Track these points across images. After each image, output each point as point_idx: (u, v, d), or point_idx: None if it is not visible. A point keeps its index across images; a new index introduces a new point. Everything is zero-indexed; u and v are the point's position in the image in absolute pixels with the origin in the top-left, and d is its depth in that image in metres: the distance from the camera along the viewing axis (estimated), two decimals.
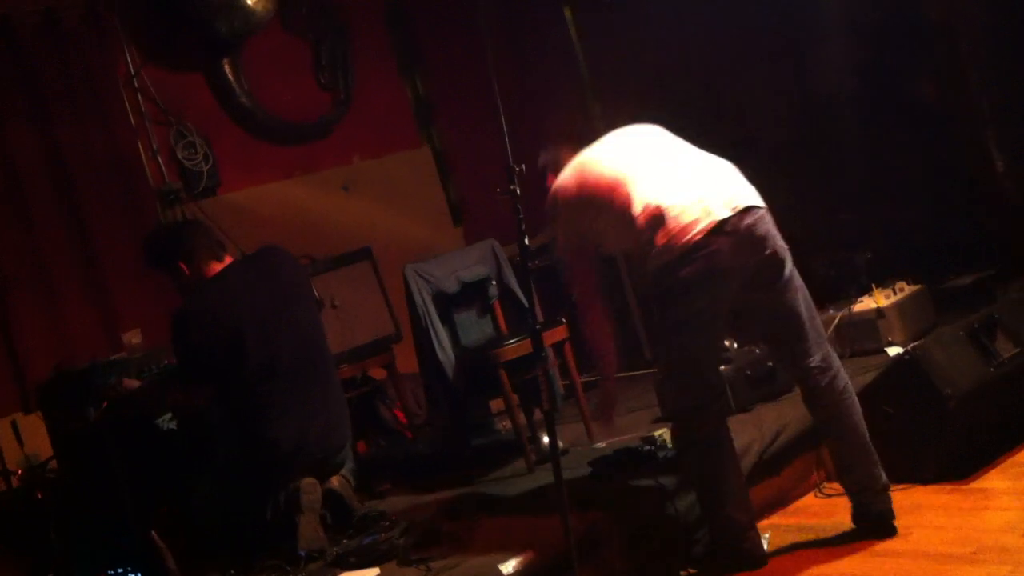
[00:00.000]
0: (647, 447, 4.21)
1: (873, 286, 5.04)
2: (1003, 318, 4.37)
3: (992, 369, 4.15)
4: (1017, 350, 4.26)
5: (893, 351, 4.65)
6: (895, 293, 4.98)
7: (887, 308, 4.84)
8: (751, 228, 3.47)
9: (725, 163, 3.66)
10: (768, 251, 3.51)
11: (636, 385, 5.74)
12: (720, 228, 3.42)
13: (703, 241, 3.40)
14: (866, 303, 4.93)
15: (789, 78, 6.19)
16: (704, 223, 3.42)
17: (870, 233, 5.88)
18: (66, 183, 5.69)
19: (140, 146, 5.99)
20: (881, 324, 4.83)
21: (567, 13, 7.66)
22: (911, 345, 4.29)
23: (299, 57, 6.70)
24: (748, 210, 3.48)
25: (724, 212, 3.44)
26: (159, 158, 6.06)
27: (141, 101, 6.04)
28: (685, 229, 3.42)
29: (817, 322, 3.70)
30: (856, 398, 3.70)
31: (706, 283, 3.44)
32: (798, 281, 3.63)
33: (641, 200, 3.51)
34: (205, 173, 6.14)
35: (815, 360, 3.62)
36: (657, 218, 3.47)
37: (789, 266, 3.58)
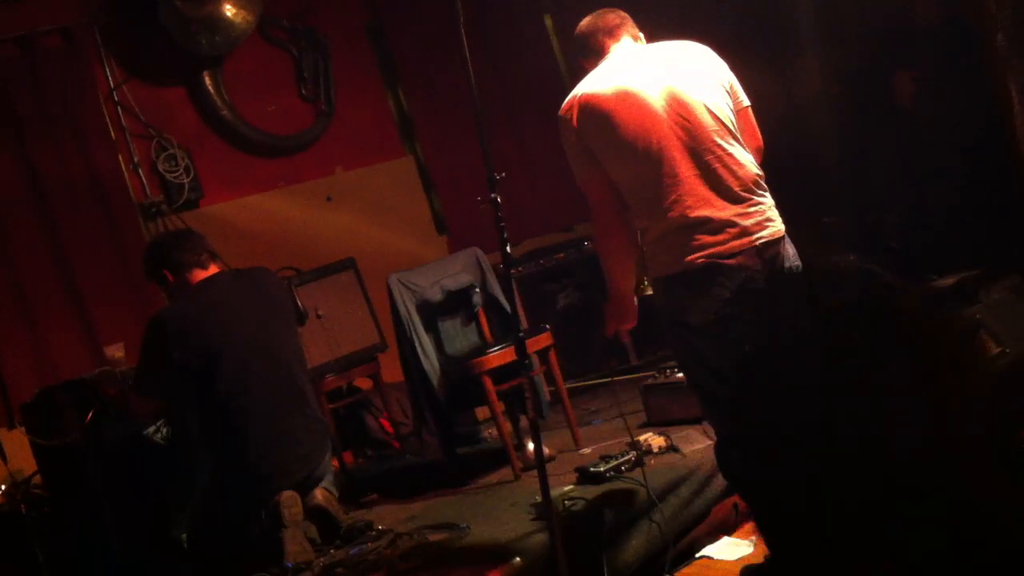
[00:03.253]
0: (625, 455, 4.20)
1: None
2: (985, 319, 4.39)
3: None
4: (999, 350, 4.28)
5: None
6: None
7: None
8: (774, 260, 3.21)
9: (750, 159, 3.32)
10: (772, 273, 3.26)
11: (623, 391, 5.74)
12: (738, 254, 3.15)
13: (713, 265, 3.14)
14: None
15: (770, 84, 6.21)
16: (723, 247, 3.14)
17: (852, 236, 5.91)
18: (44, 200, 5.67)
19: (121, 160, 5.98)
20: None
21: (548, 22, 7.70)
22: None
23: (281, 70, 6.69)
24: (775, 243, 3.22)
25: (758, 233, 3.17)
26: (140, 171, 6.05)
27: (122, 115, 6.03)
28: (702, 247, 3.15)
29: None
30: None
31: (696, 303, 3.18)
32: None
33: (674, 189, 3.17)
34: (187, 186, 6.13)
35: None
36: (677, 221, 3.17)
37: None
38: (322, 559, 3.96)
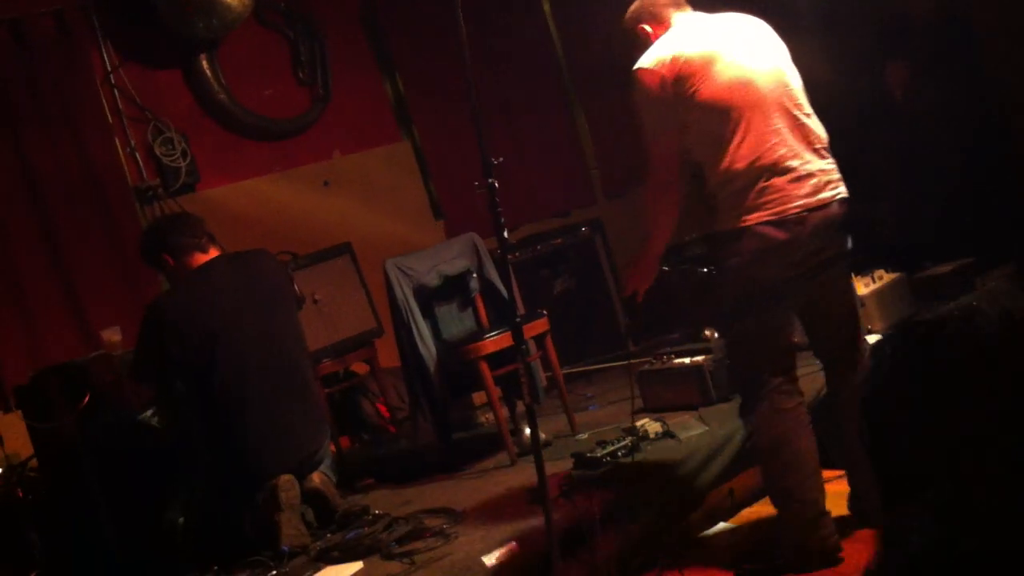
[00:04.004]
0: (622, 441, 4.21)
1: (852, 275, 5.05)
2: (981, 306, 4.40)
3: None
4: None
5: (872, 339, 4.67)
6: (874, 281, 5.01)
7: (866, 296, 4.87)
8: (836, 218, 3.37)
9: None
10: (837, 238, 3.43)
11: (618, 377, 5.75)
12: (816, 208, 3.30)
13: (796, 217, 3.27)
14: None
15: None
16: (806, 200, 3.28)
17: (849, 223, 5.91)
18: (38, 185, 5.64)
19: (117, 144, 5.96)
20: (860, 312, 4.85)
21: (545, 7, 7.68)
22: (888, 333, 4.31)
23: (277, 54, 6.68)
24: (843, 201, 3.39)
25: (828, 193, 3.33)
26: (137, 156, 6.03)
27: (118, 99, 6.01)
28: (787, 198, 3.27)
29: (859, 311, 3.65)
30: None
31: (778, 256, 3.30)
32: (848, 261, 3.56)
33: (750, 146, 3.29)
34: (183, 170, 6.12)
35: (858, 341, 3.57)
36: (764, 171, 3.28)
37: (847, 249, 3.51)
38: (318, 543, 3.97)
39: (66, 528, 4.39)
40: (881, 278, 5.04)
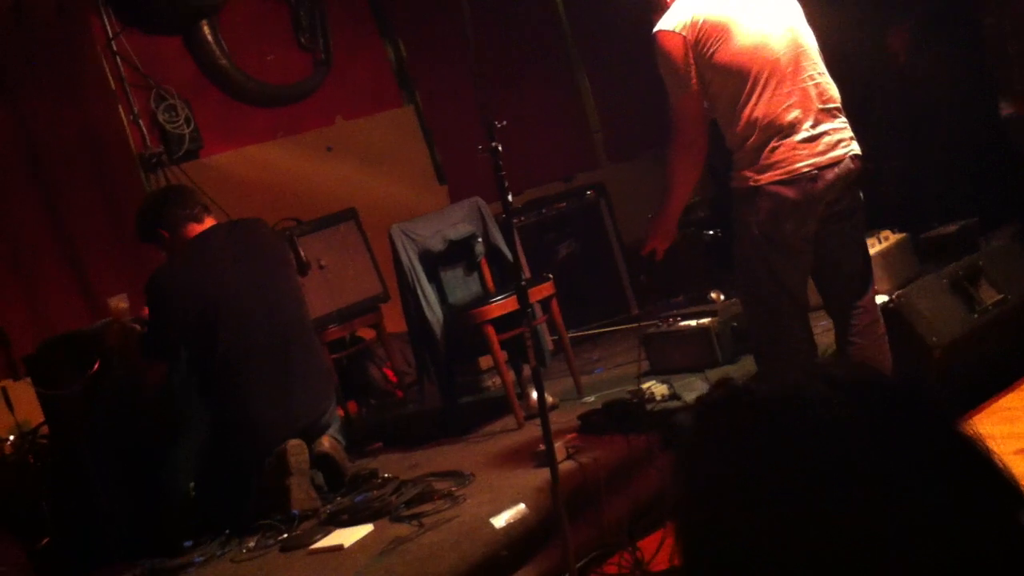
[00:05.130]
0: (635, 400, 4.24)
1: (865, 229, 5.05)
2: (986, 266, 4.41)
3: (975, 316, 4.19)
4: (1000, 297, 4.30)
5: (878, 300, 4.67)
6: (879, 242, 5.00)
7: (871, 257, 4.86)
8: (851, 172, 3.41)
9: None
10: (852, 191, 3.47)
11: (624, 340, 5.77)
12: (829, 166, 3.35)
13: (809, 174, 3.31)
14: None
15: None
16: (819, 159, 3.32)
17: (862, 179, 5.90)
18: (40, 154, 5.64)
19: (121, 112, 5.94)
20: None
21: None
22: (895, 294, 4.31)
23: (278, 19, 6.64)
24: (855, 157, 3.43)
25: (841, 151, 3.37)
26: (140, 123, 6.02)
27: (120, 66, 5.98)
28: (799, 157, 3.31)
29: (871, 264, 3.68)
30: (888, 352, 3.62)
31: (792, 214, 3.34)
32: (862, 216, 3.59)
33: (764, 106, 3.33)
34: (187, 136, 6.10)
35: (863, 300, 3.59)
36: (777, 131, 3.32)
37: (860, 203, 3.54)
38: (328, 506, 4.00)
39: (76, 494, 4.42)
40: (887, 239, 5.03)
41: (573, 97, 7.68)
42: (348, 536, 3.63)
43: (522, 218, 6.41)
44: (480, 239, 5.07)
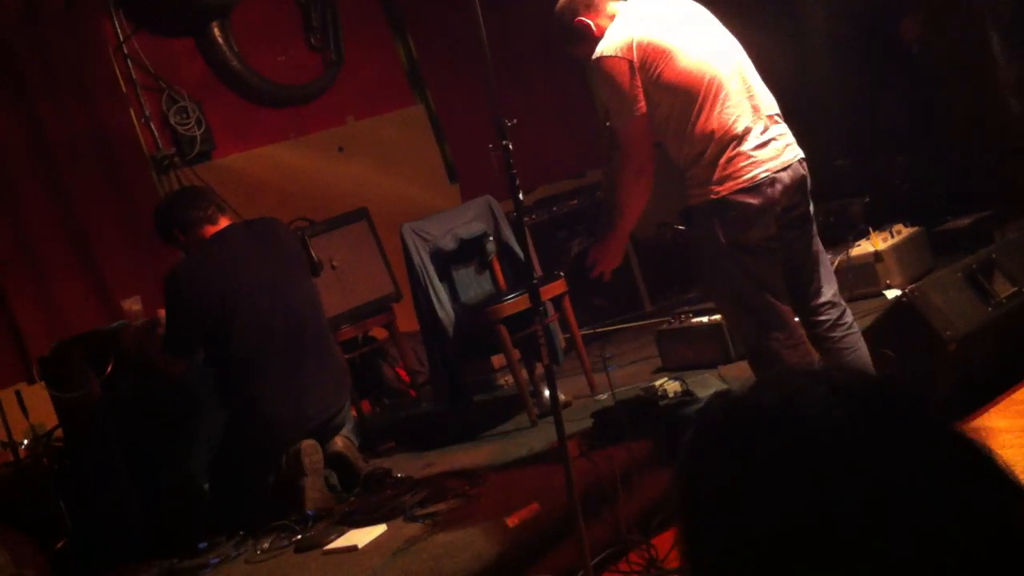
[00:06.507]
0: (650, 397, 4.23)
1: (870, 230, 5.04)
2: (1000, 259, 4.38)
3: (990, 309, 4.16)
4: (1014, 290, 4.27)
5: (891, 294, 4.66)
6: (892, 236, 4.98)
7: (884, 251, 4.85)
8: (803, 177, 3.48)
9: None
10: (805, 195, 3.54)
11: (636, 337, 5.76)
12: (782, 170, 3.40)
13: (767, 179, 3.37)
14: (864, 247, 4.93)
15: (782, 26, 6.16)
16: (773, 164, 3.38)
17: (867, 179, 5.88)
18: (54, 156, 5.65)
19: (132, 114, 5.96)
20: (879, 267, 4.84)
21: None
22: (909, 287, 4.29)
23: (289, 19, 6.65)
24: (802, 160, 3.50)
25: (790, 155, 3.43)
26: (152, 125, 6.03)
27: (132, 68, 6.00)
28: (755, 164, 3.36)
29: (827, 260, 3.73)
30: (862, 339, 3.67)
31: (758, 219, 3.40)
32: (812, 219, 3.64)
33: (714, 120, 3.37)
34: (199, 138, 6.12)
35: (828, 295, 3.63)
36: (730, 142, 3.36)
37: (811, 204, 3.60)
38: (342, 506, 4.00)
39: (92, 496, 4.44)
40: (899, 232, 5.01)
41: (583, 93, 7.66)
42: (362, 536, 3.63)
43: (533, 216, 6.41)
44: (491, 237, 5.06)
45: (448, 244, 4.94)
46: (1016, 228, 4.97)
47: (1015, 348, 4.21)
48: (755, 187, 3.35)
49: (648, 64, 3.37)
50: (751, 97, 3.44)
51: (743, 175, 3.35)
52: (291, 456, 4.00)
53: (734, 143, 3.36)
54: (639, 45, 3.38)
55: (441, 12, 6.87)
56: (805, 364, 3.47)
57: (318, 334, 4.26)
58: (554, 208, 6.57)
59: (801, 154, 3.50)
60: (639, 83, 3.39)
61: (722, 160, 3.36)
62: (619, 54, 3.39)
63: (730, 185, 3.36)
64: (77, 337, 4.61)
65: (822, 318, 3.62)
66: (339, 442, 4.17)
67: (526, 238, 3.60)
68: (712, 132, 3.36)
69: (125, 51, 5.99)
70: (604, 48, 3.43)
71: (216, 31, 6.23)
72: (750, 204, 3.35)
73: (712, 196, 3.38)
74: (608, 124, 3.80)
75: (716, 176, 3.37)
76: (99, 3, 5.92)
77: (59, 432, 4.66)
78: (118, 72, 5.94)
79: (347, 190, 6.24)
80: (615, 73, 3.40)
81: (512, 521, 3.49)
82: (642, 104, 3.40)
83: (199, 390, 4.35)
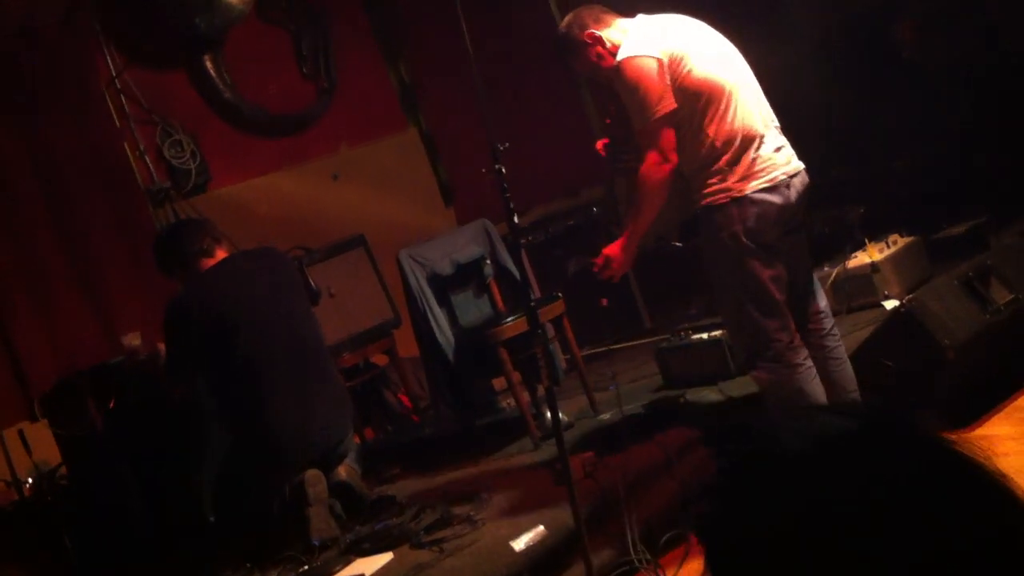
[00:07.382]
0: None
1: (867, 240, 5.04)
2: (996, 265, 4.39)
3: (988, 316, 4.17)
4: (1012, 296, 4.28)
5: (890, 304, 4.66)
6: (889, 246, 4.99)
7: (881, 262, 4.86)
8: (808, 185, 3.63)
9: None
10: (806, 203, 3.67)
11: (637, 355, 5.75)
12: (795, 175, 3.56)
13: (785, 181, 3.52)
14: (860, 258, 4.94)
15: (774, 33, 6.18)
16: (788, 168, 3.54)
17: (862, 188, 5.89)
18: (55, 190, 5.67)
19: (127, 147, 5.97)
20: (876, 278, 4.85)
21: None
22: (907, 298, 4.30)
23: (280, 48, 6.68)
24: (807, 170, 3.66)
25: (798, 163, 3.60)
26: (147, 158, 6.04)
27: (125, 102, 6.02)
28: (775, 166, 3.51)
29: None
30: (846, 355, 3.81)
31: (778, 218, 3.52)
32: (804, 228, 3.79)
33: (735, 122, 3.51)
34: (194, 170, 6.13)
35: (821, 304, 3.77)
36: (751, 144, 3.50)
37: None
38: (348, 535, 4.00)
39: (98, 531, 4.43)
40: (896, 243, 5.02)
41: (576, 111, 7.69)
42: (369, 565, 3.63)
43: (529, 237, 6.41)
44: (488, 260, 5.07)
45: (445, 268, 4.95)
46: (1012, 233, 4.99)
47: (1014, 354, 4.21)
48: (776, 187, 3.50)
49: (675, 66, 3.49)
50: (760, 108, 3.60)
51: (765, 175, 3.49)
52: (295, 486, 4.00)
53: (755, 146, 3.50)
54: (665, 49, 3.50)
55: (433, 35, 6.90)
56: (802, 364, 3.56)
57: (320, 361, 4.27)
58: (550, 228, 6.58)
59: (802, 164, 3.63)
60: (668, 81, 3.49)
61: (744, 160, 3.48)
62: (650, 53, 3.49)
63: (753, 184, 3.48)
64: (79, 372, 4.61)
65: (817, 326, 3.74)
66: (343, 471, 4.16)
67: (523, 261, 3.61)
68: (735, 134, 3.48)
69: (118, 85, 6.01)
70: (631, 50, 3.53)
71: (208, 63, 6.26)
72: (772, 202, 3.49)
73: (735, 194, 3.49)
74: (616, 128, 3.90)
75: (738, 175, 3.50)
76: (90, 36, 5.92)
77: (64, 470, 4.66)
78: (111, 107, 5.96)
79: (343, 217, 6.25)
80: (646, 70, 3.49)
81: (519, 545, 3.48)
82: (671, 99, 3.48)
83: (204, 419, 4.35)
